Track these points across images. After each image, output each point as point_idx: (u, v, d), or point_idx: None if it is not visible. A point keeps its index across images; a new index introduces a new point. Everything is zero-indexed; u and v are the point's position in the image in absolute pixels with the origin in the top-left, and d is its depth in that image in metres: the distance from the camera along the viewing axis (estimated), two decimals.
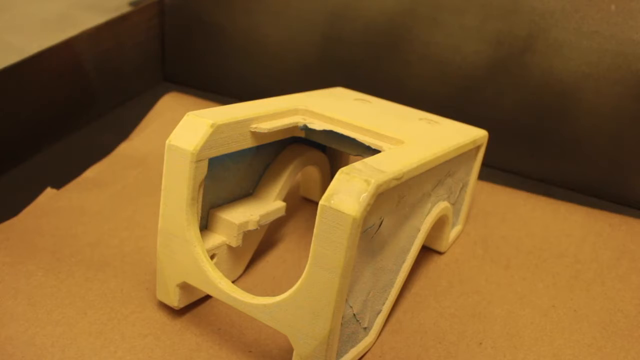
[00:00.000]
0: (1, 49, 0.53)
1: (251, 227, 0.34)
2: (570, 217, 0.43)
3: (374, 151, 0.33)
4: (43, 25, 0.58)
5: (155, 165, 0.45)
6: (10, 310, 0.32)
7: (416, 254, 0.34)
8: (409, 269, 0.33)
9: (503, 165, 0.50)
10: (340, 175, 0.27)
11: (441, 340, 0.33)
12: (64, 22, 0.59)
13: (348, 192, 0.26)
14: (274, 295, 0.29)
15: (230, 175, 0.35)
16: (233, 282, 0.36)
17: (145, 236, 0.38)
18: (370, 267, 0.30)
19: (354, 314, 0.30)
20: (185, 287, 0.32)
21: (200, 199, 0.31)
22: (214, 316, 0.33)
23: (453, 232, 0.40)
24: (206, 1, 0.56)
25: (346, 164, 0.43)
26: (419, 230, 0.34)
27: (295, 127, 0.35)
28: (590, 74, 0.45)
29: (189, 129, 0.30)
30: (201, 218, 0.34)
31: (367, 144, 0.33)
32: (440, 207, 0.35)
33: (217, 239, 0.33)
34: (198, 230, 0.31)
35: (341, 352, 0.30)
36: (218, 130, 0.31)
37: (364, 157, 0.33)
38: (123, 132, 0.50)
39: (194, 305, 0.34)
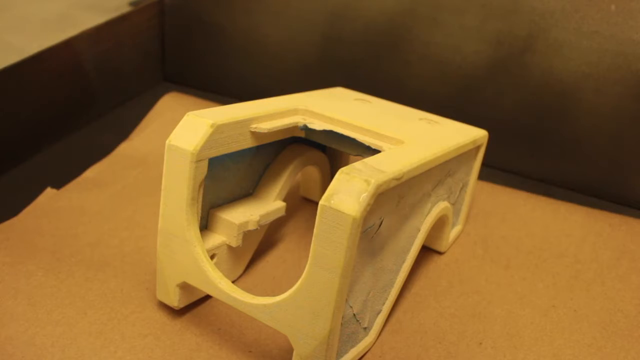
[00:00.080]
0: (1, 49, 0.53)
1: (251, 227, 0.34)
2: (570, 217, 0.43)
3: (374, 151, 0.33)
4: (43, 25, 0.58)
5: (155, 165, 0.45)
6: (10, 310, 0.32)
7: (416, 254, 0.34)
8: (409, 269, 0.33)
9: (503, 165, 0.50)
10: (340, 175, 0.27)
11: (441, 340, 0.33)
12: (64, 22, 0.59)
13: (348, 192, 0.26)
14: (274, 295, 0.29)
15: (230, 175, 0.35)
16: (233, 282, 0.36)
17: (145, 236, 0.38)
18: (370, 267, 0.30)
19: (354, 314, 0.30)
20: (185, 287, 0.32)
21: (200, 199, 0.31)
22: (214, 316, 0.33)
23: (453, 232, 0.40)
24: (206, 1, 0.56)
25: (346, 164, 0.43)
26: (419, 230, 0.34)
27: (295, 127, 0.35)
28: (590, 74, 0.45)
29: (189, 129, 0.30)
30: (201, 218, 0.34)
31: (367, 144, 0.33)
32: (440, 207, 0.35)
33: (217, 239, 0.33)
34: (198, 230, 0.31)
35: (341, 352, 0.30)
36: (218, 130, 0.31)
37: (364, 157, 0.33)
38: (123, 132, 0.50)
39: (194, 305, 0.34)
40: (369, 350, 0.32)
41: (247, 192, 0.36)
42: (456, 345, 0.33)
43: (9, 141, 0.45)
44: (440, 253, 0.39)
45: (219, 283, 0.30)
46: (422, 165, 0.30)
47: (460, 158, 0.37)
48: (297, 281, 0.28)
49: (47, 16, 0.60)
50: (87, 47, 0.51)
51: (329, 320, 0.27)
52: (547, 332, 0.34)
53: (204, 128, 0.30)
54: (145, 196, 0.42)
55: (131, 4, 0.63)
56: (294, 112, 0.35)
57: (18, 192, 0.42)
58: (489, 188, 0.46)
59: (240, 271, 0.36)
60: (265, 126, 0.33)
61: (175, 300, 0.32)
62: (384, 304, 0.33)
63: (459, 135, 0.36)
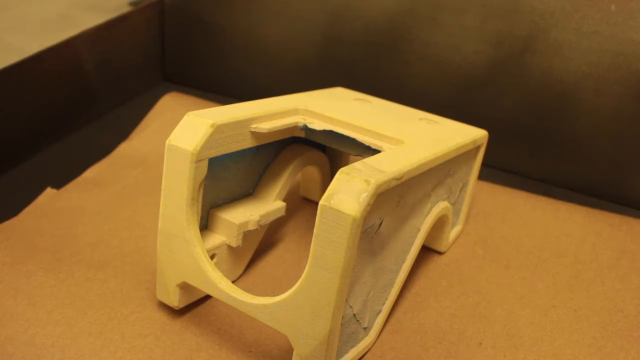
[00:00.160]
0: (1, 49, 0.53)
1: (251, 227, 0.34)
2: (570, 217, 0.43)
3: (374, 151, 0.33)
4: (43, 25, 0.58)
5: (155, 165, 0.45)
6: (10, 310, 0.32)
7: (416, 254, 0.34)
8: (409, 269, 0.33)
9: (503, 165, 0.50)
10: (340, 175, 0.27)
11: (441, 340, 0.33)
12: (64, 22, 0.59)
13: (348, 192, 0.26)
14: (274, 295, 0.29)
15: (230, 175, 0.35)
16: (233, 282, 0.36)
17: (145, 236, 0.38)
18: (370, 267, 0.30)
19: (354, 314, 0.30)
20: (185, 287, 0.32)
21: (200, 199, 0.31)
22: (214, 316, 0.33)
23: (453, 232, 0.40)
24: (206, 1, 0.56)
25: (346, 164, 0.43)
26: (419, 230, 0.34)
27: (295, 127, 0.35)
28: (590, 74, 0.45)
29: (189, 129, 0.30)
30: (201, 218, 0.34)
31: (367, 144, 0.33)
32: (440, 207, 0.35)
33: (217, 239, 0.33)
34: (198, 230, 0.31)
35: (341, 352, 0.30)
36: (218, 130, 0.31)
37: (364, 157, 0.33)
38: (123, 132, 0.50)
39: (194, 305, 0.34)
40: (369, 350, 0.32)
41: (247, 192, 0.36)
42: (456, 345, 0.33)
43: (9, 141, 0.45)
44: (440, 253, 0.39)
45: (219, 283, 0.30)
46: (422, 165, 0.30)
47: (460, 158, 0.37)
48: (297, 281, 0.28)
49: (47, 16, 0.60)
50: (87, 47, 0.51)
51: (329, 320, 0.27)
52: (547, 332, 0.34)
53: (204, 128, 0.30)
54: (145, 196, 0.42)
55: (131, 4, 0.63)
56: (294, 112, 0.35)
57: (18, 192, 0.42)
58: (489, 188, 0.46)
59: (240, 271, 0.36)
60: (265, 126, 0.33)
61: (175, 300, 0.32)
62: (384, 304, 0.33)
63: (459, 135, 0.36)
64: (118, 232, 0.39)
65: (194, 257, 0.31)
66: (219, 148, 0.31)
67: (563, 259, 0.39)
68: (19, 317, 0.32)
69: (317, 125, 0.35)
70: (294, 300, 0.28)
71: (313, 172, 0.42)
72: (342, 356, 0.30)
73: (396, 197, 0.30)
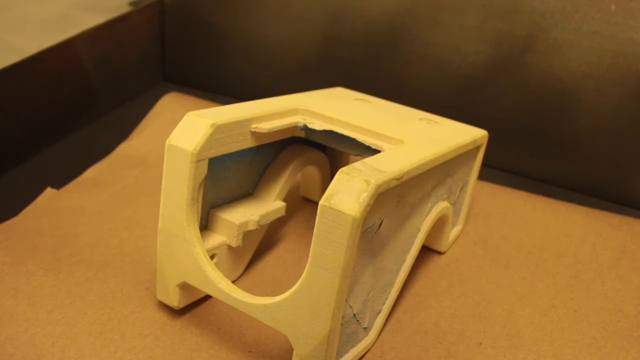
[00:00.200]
0: (1, 49, 0.53)
1: (251, 227, 0.34)
2: (570, 217, 0.43)
3: (374, 151, 0.33)
4: (43, 25, 0.58)
5: (155, 165, 0.45)
6: (10, 310, 0.32)
7: (416, 254, 0.34)
8: (409, 269, 0.33)
9: (503, 165, 0.50)
10: (340, 175, 0.27)
11: (441, 340, 0.33)
12: (64, 22, 0.59)
13: (348, 192, 0.26)
14: (274, 295, 0.29)
15: (230, 175, 0.35)
16: (233, 282, 0.36)
17: (145, 236, 0.38)
18: (370, 267, 0.30)
19: (354, 314, 0.30)
20: (185, 287, 0.32)
21: (200, 199, 0.31)
22: (214, 316, 0.33)
23: (453, 232, 0.40)
24: (206, 1, 0.56)
25: (346, 164, 0.43)
26: (419, 230, 0.34)
27: (295, 127, 0.35)
28: (590, 74, 0.45)
29: (189, 129, 0.30)
30: (201, 218, 0.34)
31: (367, 144, 0.33)
32: (440, 207, 0.35)
33: (217, 239, 0.33)
34: (198, 230, 0.31)
35: (341, 352, 0.30)
36: (218, 130, 0.31)
37: (364, 157, 0.33)
38: (123, 132, 0.50)
39: (194, 305, 0.34)
40: (369, 350, 0.32)
41: (247, 192, 0.36)
42: (456, 345, 0.33)
43: (9, 141, 0.45)
44: (440, 253, 0.39)
45: (219, 283, 0.30)
46: (422, 165, 0.30)
47: (460, 158, 0.37)
48: (297, 281, 0.28)
49: (47, 16, 0.60)
50: (87, 47, 0.51)
51: (329, 320, 0.27)
52: (547, 332, 0.34)
53: (204, 128, 0.30)
54: (145, 196, 0.42)
55: (131, 4, 0.63)
56: (294, 112, 0.35)
57: (18, 192, 0.42)
58: (489, 188, 0.46)
59: (240, 271, 0.36)
60: (265, 126, 0.33)
61: (175, 300, 0.32)
62: (384, 304, 0.33)
63: (459, 135, 0.36)
64: (118, 232, 0.39)
65: (194, 257, 0.31)
66: (219, 148, 0.31)
67: (563, 259, 0.39)
68: (19, 317, 0.32)
69: (317, 125, 0.35)
70: (294, 300, 0.28)
71: (313, 172, 0.42)
72: (342, 356, 0.30)
73: (396, 197, 0.30)
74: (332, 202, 0.26)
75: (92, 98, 0.53)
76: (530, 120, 0.48)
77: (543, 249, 0.40)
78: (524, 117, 0.48)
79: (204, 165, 0.31)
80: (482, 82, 0.49)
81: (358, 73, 0.52)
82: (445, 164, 0.35)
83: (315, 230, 0.26)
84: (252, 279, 0.36)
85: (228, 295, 0.30)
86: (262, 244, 0.38)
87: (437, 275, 0.37)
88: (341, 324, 0.29)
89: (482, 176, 0.47)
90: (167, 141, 0.31)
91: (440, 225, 0.38)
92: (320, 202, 0.26)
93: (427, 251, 0.39)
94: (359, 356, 0.31)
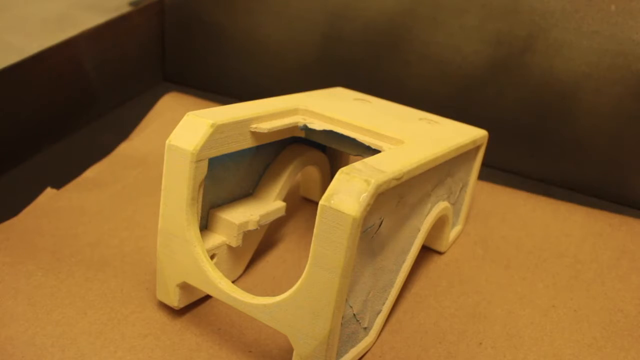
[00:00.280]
0: (1, 49, 0.53)
1: (251, 227, 0.34)
2: (570, 217, 0.43)
3: (374, 151, 0.33)
4: (43, 25, 0.58)
5: (155, 165, 0.46)
6: (10, 310, 0.32)
7: (416, 254, 0.34)
8: (409, 269, 0.33)
9: (503, 165, 0.50)
10: (340, 175, 0.27)
11: (441, 340, 0.33)
12: (64, 22, 0.59)
13: (348, 192, 0.26)
14: (274, 295, 0.29)
15: (230, 175, 0.35)
16: (233, 282, 0.36)
17: (145, 236, 0.38)
18: (370, 267, 0.30)
19: (354, 314, 0.30)
20: (185, 287, 0.32)
21: (200, 199, 0.31)
22: (214, 316, 0.33)
23: (453, 232, 0.40)
24: (206, 1, 0.56)
25: (346, 164, 0.43)
26: (419, 230, 0.34)
27: (295, 127, 0.35)
28: (590, 74, 0.45)
29: (189, 129, 0.30)
30: (201, 218, 0.34)
31: (367, 144, 0.33)
32: (440, 207, 0.35)
33: (217, 239, 0.33)
34: (198, 230, 0.31)
35: (341, 352, 0.30)
36: (218, 130, 0.31)
37: (364, 157, 0.33)
38: (123, 132, 0.50)
39: (194, 305, 0.34)
40: (369, 350, 0.32)
41: (247, 192, 0.36)
42: (456, 345, 0.33)
43: (9, 141, 0.45)
44: (440, 253, 0.39)
45: (219, 283, 0.30)
46: (422, 165, 0.30)
47: (460, 158, 0.37)
48: (297, 281, 0.28)
49: (47, 16, 0.60)
50: (87, 47, 0.51)
51: (329, 320, 0.27)
52: (547, 332, 0.34)
53: (204, 128, 0.30)
54: (145, 196, 0.42)
55: (131, 4, 0.63)
56: (294, 112, 0.35)
57: (18, 192, 0.42)
58: (489, 188, 0.46)
59: (240, 271, 0.36)
60: (265, 126, 0.33)
61: (175, 300, 0.32)
62: (384, 304, 0.33)
63: (459, 135, 0.36)
64: (118, 232, 0.39)
65: (194, 257, 0.31)
66: (219, 148, 0.31)
67: (563, 259, 0.39)
68: (19, 317, 0.32)
69: (317, 125, 0.35)
70: (294, 300, 0.28)
71: (313, 172, 0.42)
72: (342, 356, 0.30)
73: (396, 197, 0.30)
74: (332, 202, 0.26)
75: (92, 98, 0.53)
76: (531, 120, 0.48)
77: (543, 249, 0.40)
78: (524, 117, 0.48)
79: (204, 165, 0.31)
80: (482, 82, 0.49)
81: (358, 73, 0.52)
82: (445, 164, 0.35)
83: (315, 230, 0.26)
84: (252, 279, 0.36)
85: (228, 295, 0.30)
86: (262, 244, 0.38)
87: (437, 275, 0.37)
88: (341, 324, 0.29)
89: (482, 176, 0.47)
90: (167, 141, 0.31)
91: (440, 225, 0.38)
92: (320, 202, 0.26)
93: (427, 251, 0.39)
94: (359, 356, 0.31)
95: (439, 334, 0.33)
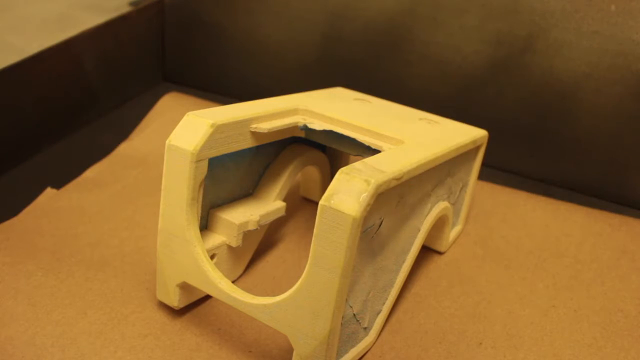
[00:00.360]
0: (1, 49, 0.53)
1: (251, 227, 0.34)
2: (570, 217, 0.43)
3: (374, 151, 0.33)
4: (43, 25, 0.58)
5: (155, 165, 0.46)
6: (10, 310, 0.32)
7: (416, 254, 0.34)
8: (409, 269, 0.33)
9: (503, 165, 0.50)
10: (340, 175, 0.27)
11: (441, 340, 0.33)
12: (64, 22, 0.59)
13: (348, 192, 0.26)
14: (274, 295, 0.29)
15: (230, 175, 0.35)
16: (233, 282, 0.36)
17: (145, 236, 0.38)
18: (370, 267, 0.30)
19: (354, 314, 0.30)
20: (185, 287, 0.32)
21: (200, 199, 0.31)
22: (214, 316, 0.33)
23: (453, 232, 0.40)
24: (206, 1, 0.56)
25: (346, 164, 0.43)
26: (419, 230, 0.34)
27: (295, 127, 0.35)
28: (590, 74, 0.45)
29: (189, 129, 0.30)
30: (201, 218, 0.34)
31: (367, 144, 0.33)
32: (440, 207, 0.35)
33: (217, 239, 0.33)
34: (198, 230, 0.31)
35: (341, 352, 0.30)
36: (218, 130, 0.31)
37: (364, 157, 0.33)
38: (123, 132, 0.50)
39: (194, 305, 0.34)
40: (369, 350, 0.32)
41: (247, 192, 0.36)
42: (456, 345, 0.33)
43: (9, 141, 0.45)
44: (440, 253, 0.39)
45: (219, 283, 0.30)
46: (422, 165, 0.30)
47: (460, 158, 0.37)
48: (297, 281, 0.28)
49: (47, 16, 0.60)
50: (87, 47, 0.51)
51: (329, 320, 0.27)
52: (547, 332, 0.34)
53: (204, 128, 0.30)
54: (145, 196, 0.42)
55: (131, 4, 0.63)
56: (294, 112, 0.35)
57: (18, 192, 0.42)
58: (489, 188, 0.46)
59: (240, 271, 0.36)
60: (265, 126, 0.33)
61: (175, 300, 0.32)
62: (384, 304, 0.33)
63: (459, 135, 0.36)
64: (118, 232, 0.39)
65: (194, 257, 0.31)
66: (219, 148, 0.31)
67: (563, 259, 0.39)
68: (19, 317, 0.32)
69: (317, 125, 0.35)
70: (294, 300, 0.28)
71: (313, 172, 0.42)
72: (342, 356, 0.30)
73: (396, 197, 0.30)
74: (332, 202, 0.26)
75: (92, 98, 0.53)
76: (530, 120, 0.48)
77: (543, 249, 0.40)
78: (524, 117, 0.48)
79: (204, 165, 0.31)
80: (482, 82, 0.49)
81: (358, 73, 0.52)
82: (445, 164, 0.35)
83: (315, 230, 0.26)
84: (252, 279, 0.36)
85: (228, 295, 0.30)
86: (262, 244, 0.38)
87: (437, 275, 0.37)
88: (341, 324, 0.29)
89: (482, 176, 0.47)
90: (167, 141, 0.31)
91: (440, 225, 0.38)
92: (320, 202, 0.26)
93: (427, 251, 0.39)
94: (359, 356, 0.31)
95: (439, 334, 0.33)
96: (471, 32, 0.48)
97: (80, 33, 0.50)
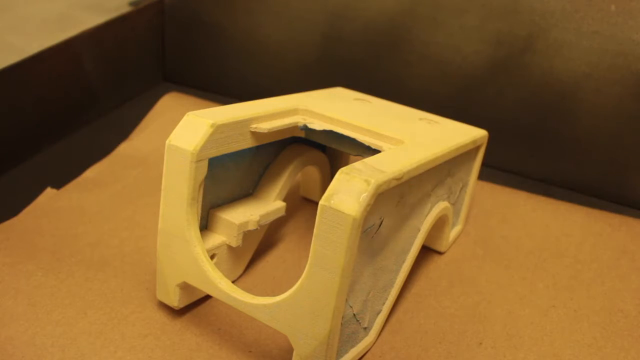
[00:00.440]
0: (1, 49, 0.53)
1: (251, 227, 0.34)
2: (570, 217, 0.43)
3: (374, 151, 0.33)
4: (43, 25, 0.58)
5: (155, 165, 0.46)
6: (10, 310, 0.32)
7: (416, 254, 0.34)
8: (409, 269, 0.33)
9: (503, 165, 0.50)
10: (340, 175, 0.27)
11: (441, 340, 0.33)
12: (64, 22, 0.59)
13: (348, 192, 0.26)
14: (274, 295, 0.29)
15: (230, 175, 0.35)
16: (233, 282, 0.36)
17: (145, 236, 0.38)
18: (370, 267, 0.30)
19: (354, 314, 0.30)
20: (185, 287, 0.32)
21: (200, 199, 0.31)
22: (214, 316, 0.33)
23: (453, 232, 0.40)
24: (206, 1, 0.56)
25: (346, 164, 0.43)
26: (419, 230, 0.34)
27: (295, 127, 0.35)
28: (590, 74, 0.45)
29: (189, 129, 0.30)
30: (201, 218, 0.34)
31: (367, 144, 0.33)
32: (440, 207, 0.35)
33: (217, 239, 0.33)
34: (198, 230, 0.31)
35: (341, 352, 0.30)
36: (218, 130, 0.31)
37: (364, 157, 0.33)
38: (123, 132, 0.50)
39: (194, 305, 0.34)
40: (369, 350, 0.32)
41: (247, 192, 0.36)
42: (456, 345, 0.33)
43: (9, 141, 0.45)
44: (440, 253, 0.39)
45: (219, 283, 0.30)
46: (422, 165, 0.30)
47: (460, 158, 0.37)
48: (297, 281, 0.28)
49: (47, 16, 0.60)
50: (87, 47, 0.51)
51: (329, 320, 0.27)
52: (547, 332, 0.34)
53: (204, 128, 0.30)
54: (145, 196, 0.42)
55: (131, 4, 0.63)
56: (294, 112, 0.35)
57: (18, 192, 0.42)
58: (489, 188, 0.46)
59: (240, 271, 0.36)
60: (265, 126, 0.33)
61: (175, 300, 0.32)
62: (384, 304, 0.33)
63: (459, 135, 0.36)
64: (118, 232, 0.39)
65: (194, 257, 0.31)
66: (219, 148, 0.31)
67: (563, 259, 0.39)
68: (19, 317, 0.32)
69: (317, 125, 0.35)
70: (294, 300, 0.28)
71: (313, 172, 0.42)
72: (342, 356, 0.30)
73: (396, 197, 0.30)
74: (332, 202, 0.26)
75: (93, 98, 0.53)
76: (530, 120, 0.48)
77: (543, 249, 0.40)
78: (524, 117, 0.48)
79: (204, 165, 0.31)
80: (482, 82, 0.49)
81: (358, 73, 0.52)
82: (445, 164, 0.35)
83: (315, 230, 0.26)
84: (252, 279, 0.36)
85: (228, 295, 0.30)
86: (262, 244, 0.38)
87: (437, 275, 0.37)
88: (341, 324, 0.29)
89: (482, 176, 0.47)
90: (167, 141, 0.31)
91: (440, 225, 0.38)
92: (320, 202, 0.26)
93: (427, 251, 0.39)
94: (359, 356, 0.31)
95: (439, 334, 0.33)
96: (471, 32, 0.48)
97: (80, 33, 0.50)
